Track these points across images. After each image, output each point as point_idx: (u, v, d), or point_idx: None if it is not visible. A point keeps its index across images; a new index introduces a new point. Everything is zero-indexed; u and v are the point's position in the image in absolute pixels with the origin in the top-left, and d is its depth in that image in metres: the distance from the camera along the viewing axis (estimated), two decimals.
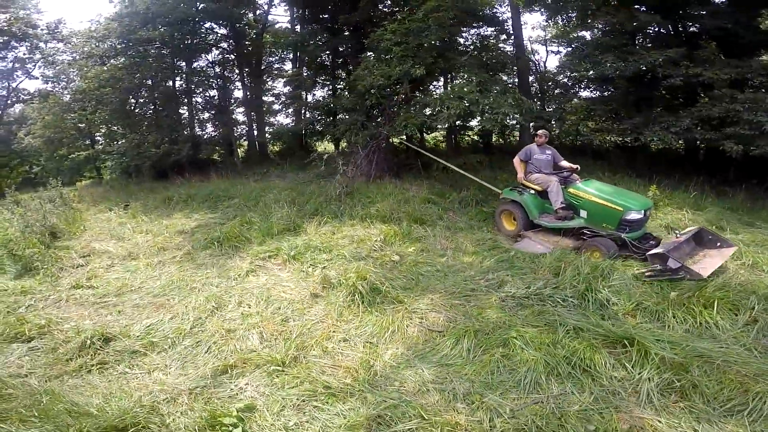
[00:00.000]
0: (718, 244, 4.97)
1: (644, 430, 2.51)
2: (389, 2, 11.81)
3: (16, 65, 16.71)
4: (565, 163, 6.00)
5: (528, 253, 5.29)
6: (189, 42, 13.20)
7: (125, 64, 12.73)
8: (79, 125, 14.44)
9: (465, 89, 8.31)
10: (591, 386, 2.86)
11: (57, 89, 16.64)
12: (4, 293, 5.11)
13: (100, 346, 3.68)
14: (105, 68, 12.74)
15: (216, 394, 2.94)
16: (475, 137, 13.11)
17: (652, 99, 9.87)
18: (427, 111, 8.98)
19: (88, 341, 3.68)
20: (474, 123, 9.34)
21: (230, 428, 2.45)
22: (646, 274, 4.37)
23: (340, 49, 12.89)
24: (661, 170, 8.98)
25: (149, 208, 9.25)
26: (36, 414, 2.75)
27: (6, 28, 15.18)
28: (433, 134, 13.13)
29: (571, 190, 5.49)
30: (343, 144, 13.15)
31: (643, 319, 3.71)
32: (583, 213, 5.32)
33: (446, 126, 10.03)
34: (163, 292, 4.86)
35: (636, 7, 9.58)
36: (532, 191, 5.91)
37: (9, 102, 17.85)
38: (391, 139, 9.56)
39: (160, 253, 6.23)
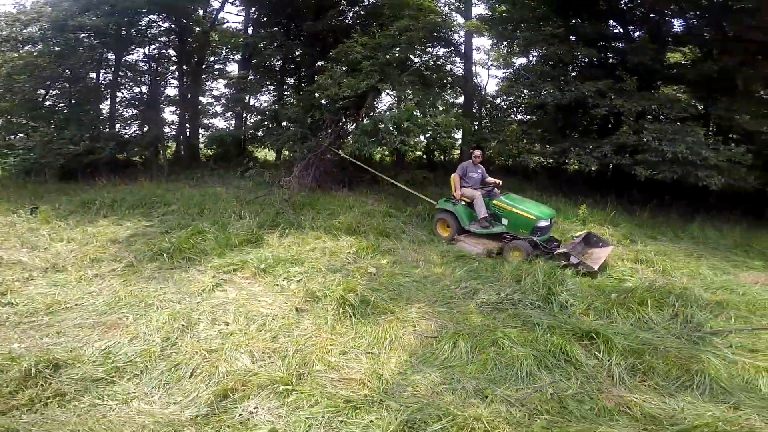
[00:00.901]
0: (600, 244, 6.34)
1: (627, 406, 2.99)
2: (353, 15, 11.87)
3: None
4: (490, 179, 6.98)
5: (465, 252, 6.17)
6: (125, 33, 11.98)
7: (45, 52, 11.08)
8: None
9: (408, 107, 8.63)
10: (575, 373, 3.34)
11: None
12: None
13: (50, 375, 3.12)
14: (16, 54, 10.93)
15: (225, 421, 2.69)
16: (419, 153, 13.63)
17: (575, 125, 11.11)
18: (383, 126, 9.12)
19: (32, 369, 3.09)
20: (420, 138, 9.78)
21: None
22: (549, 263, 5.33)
23: (293, 56, 12.58)
24: (580, 190, 10.31)
25: (63, 213, 7.92)
26: None
27: None
28: (380, 148, 13.35)
29: (495, 201, 6.50)
30: (285, 153, 12.83)
31: (595, 317, 4.33)
32: (505, 221, 6.37)
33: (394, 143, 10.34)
34: (111, 309, 4.26)
35: (572, 38, 10.82)
36: (463, 202, 6.75)
37: None
38: (340, 152, 9.54)
39: (93, 264, 5.41)
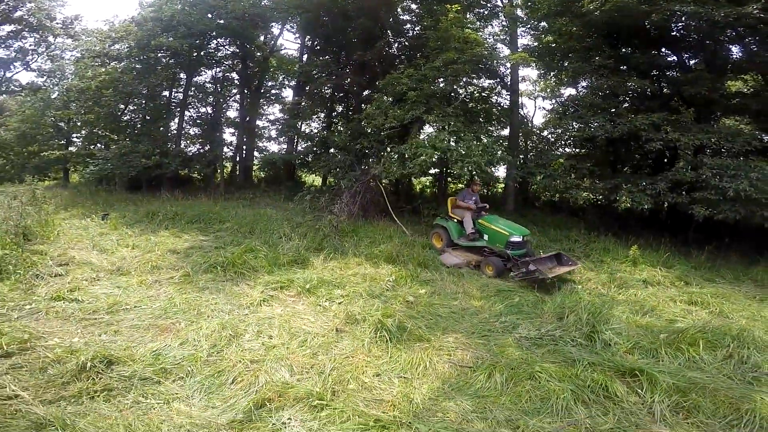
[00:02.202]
0: (570, 263, 6.92)
1: None
2: (399, 45, 12.29)
3: (19, 55, 15.75)
4: (481, 204, 8.14)
5: (447, 264, 7.01)
6: (197, 55, 13.17)
7: (128, 68, 12.41)
8: (59, 124, 13.59)
9: (438, 138, 8.62)
10: (613, 409, 3.24)
11: (47, 85, 15.79)
12: None
13: (102, 370, 3.33)
14: (104, 70, 12.32)
15: (258, 429, 2.77)
16: (461, 186, 13.54)
17: (627, 160, 10.50)
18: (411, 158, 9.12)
19: (88, 363, 3.32)
20: (463, 171, 9.76)
21: None
22: (517, 275, 6.26)
23: (343, 84, 13.15)
24: (631, 229, 9.76)
25: (130, 222, 8.76)
26: None
27: (26, 16, 14.32)
28: (422, 179, 13.46)
29: (480, 221, 7.64)
30: (331, 180, 13.31)
31: (640, 356, 4.12)
32: (486, 236, 7.44)
33: (435, 171, 10.44)
34: (165, 314, 4.55)
35: (623, 68, 10.35)
36: (456, 220, 7.96)
37: None
38: (381, 181, 9.74)
39: (153, 271, 5.87)
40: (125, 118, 14.00)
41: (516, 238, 7.04)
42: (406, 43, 12.33)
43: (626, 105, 10.64)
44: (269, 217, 9.11)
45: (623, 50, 10.80)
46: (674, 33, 10.19)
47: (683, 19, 9.31)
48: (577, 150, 11.95)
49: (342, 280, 5.68)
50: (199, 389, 3.25)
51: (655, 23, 9.16)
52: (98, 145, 13.86)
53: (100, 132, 13.70)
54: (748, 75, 10.90)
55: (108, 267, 5.96)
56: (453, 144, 8.79)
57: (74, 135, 15.20)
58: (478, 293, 5.80)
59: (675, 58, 10.87)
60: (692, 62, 10.72)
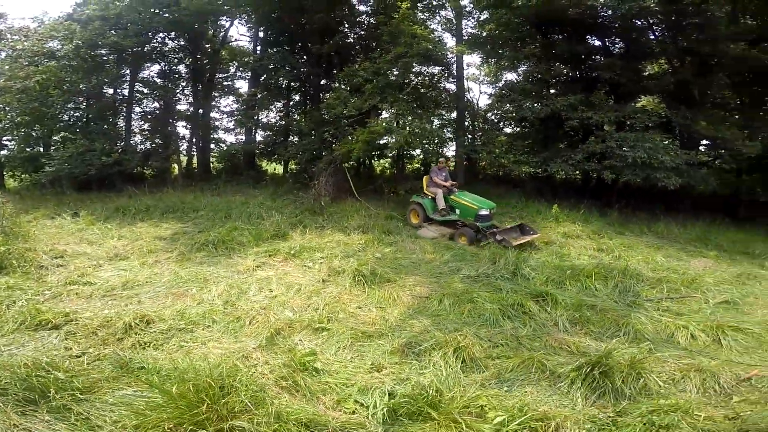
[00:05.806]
0: (531, 232, 7.88)
1: (567, 345, 4.05)
2: (355, 35, 13.13)
3: None
4: (450, 182, 8.95)
5: (424, 237, 8.01)
6: (140, 50, 13.14)
7: (67, 67, 12.17)
8: None
9: (402, 123, 9.91)
10: (529, 322, 4.43)
11: None
12: None
13: (144, 327, 4.07)
14: (37, 68, 11.89)
15: (280, 348, 3.77)
16: (417, 165, 15.15)
17: (557, 136, 12.39)
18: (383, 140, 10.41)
19: (132, 323, 4.07)
20: (416, 152, 11.15)
21: (311, 361, 3.43)
22: (482, 243, 7.21)
23: (299, 74, 13.82)
24: (563, 195, 11.57)
25: (102, 217, 9.12)
26: (142, 377, 3.11)
27: None
28: (382, 161, 14.72)
29: (452, 197, 8.52)
30: (293, 165, 14.12)
31: (550, 286, 5.45)
32: (457, 211, 8.34)
33: (393, 153, 11.73)
34: (176, 284, 5.33)
35: (554, 53, 11.97)
36: (429, 197, 8.83)
37: None
38: (344, 164, 10.86)
39: (150, 254, 6.59)
40: (64, 118, 13.61)
41: (484, 212, 7.95)
42: (363, 33, 13.14)
43: (555, 89, 12.32)
44: (241, 203, 9.94)
45: (552, 38, 12.34)
46: (600, 21, 11.71)
47: (598, 10, 10.81)
48: (517, 129, 13.77)
49: (320, 246, 6.84)
50: (225, 332, 4.14)
51: (574, 15, 10.70)
52: (36, 148, 13.30)
53: (35, 134, 13.16)
54: (662, 60, 12.70)
55: (104, 255, 6.57)
56: (407, 128, 10.01)
57: (4, 139, 14.23)
58: (431, 249, 7.22)
59: (600, 43, 12.55)
60: (615, 48, 12.41)
